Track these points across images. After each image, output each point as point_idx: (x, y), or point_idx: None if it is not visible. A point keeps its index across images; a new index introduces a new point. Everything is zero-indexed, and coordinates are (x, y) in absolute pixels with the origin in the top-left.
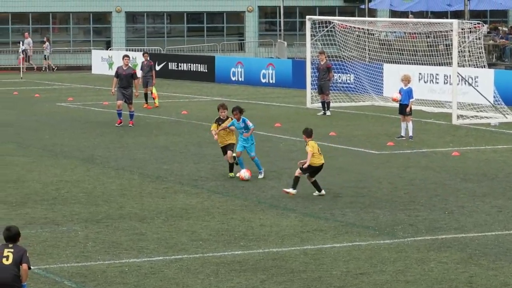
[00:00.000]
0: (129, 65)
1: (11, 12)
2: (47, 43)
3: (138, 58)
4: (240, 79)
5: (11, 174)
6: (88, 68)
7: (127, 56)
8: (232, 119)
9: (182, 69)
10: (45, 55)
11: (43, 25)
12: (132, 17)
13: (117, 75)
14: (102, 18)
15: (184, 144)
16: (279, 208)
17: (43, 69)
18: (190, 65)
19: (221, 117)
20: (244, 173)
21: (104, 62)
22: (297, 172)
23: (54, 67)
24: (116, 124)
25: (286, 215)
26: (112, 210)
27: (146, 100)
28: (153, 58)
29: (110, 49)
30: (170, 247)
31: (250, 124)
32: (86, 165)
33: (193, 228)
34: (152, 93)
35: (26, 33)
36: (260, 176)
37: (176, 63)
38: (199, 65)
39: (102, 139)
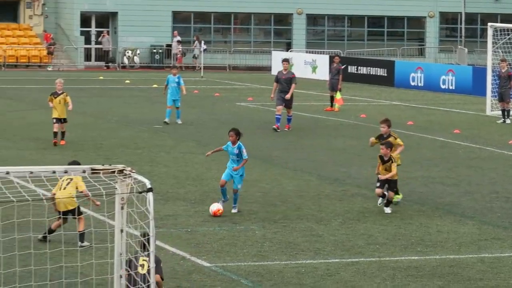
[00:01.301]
0: (289, 69)
1: (193, 12)
2: (196, 41)
3: (317, 60)
4: (419, 84)
5: (190, 172)
6: (268, 69)
7: (286, 60)
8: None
9: (361, 72)
10: (194, 54)
11: (225, 25)
12: (313, 19)
13: (277, 79)
14: (283, 19)
15: (362, 147)
16: (457, 214)
17: (197, 68)
18: (370, 69)
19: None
20: (215, 207)
21: (306, 65)
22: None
23: (198, 67)
24: (274, 127)
25: (463, 222)
26: (289, 211)
27: (332, 103)
28: (332, 61)
29: (290, 51)
30: (347, 250)
31: (245, 154)
32: (264, 165)
33: (370, 232)
34: (335, 98)
35: (175, 31)
36: (234, 211)
37: (355, 66)
38: (378, 69)
39: (281, 140)
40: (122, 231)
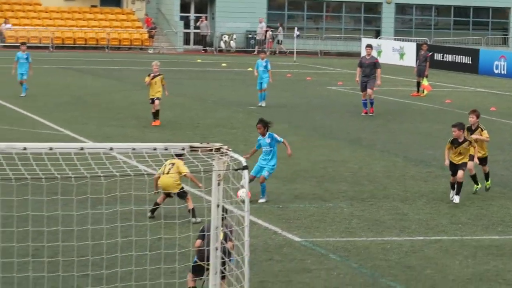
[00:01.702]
0: (372, 54)
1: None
2: (280, 28)
3: (405, 47)
4: (502, 72)
5: (282, 152)
6: (357, 55)
7: (369, 46)
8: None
9: (447, 60)
10: (278, 40)
11: (317, 13)
12: (401, 9)
13: (360, 64)
14: (373, 8)
15: (446, 132)
16: None
17: (278, 53)
18: (455, 57)
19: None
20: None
21: (394, 52)
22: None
23: (286, 50)
24: (363, 114)
25: None
26: (376, 190)
27: (418, 88)
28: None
29: (379, 38)
30: (431, 228)
31: (279, 138)
32: (353, 146)
33: (453, 212)
34: (421, 84)
35: (261, 18)
36: (261, 201)
37: (441, 54)
38: (463, 57)
39: (369, 123)
40: (218, 206)
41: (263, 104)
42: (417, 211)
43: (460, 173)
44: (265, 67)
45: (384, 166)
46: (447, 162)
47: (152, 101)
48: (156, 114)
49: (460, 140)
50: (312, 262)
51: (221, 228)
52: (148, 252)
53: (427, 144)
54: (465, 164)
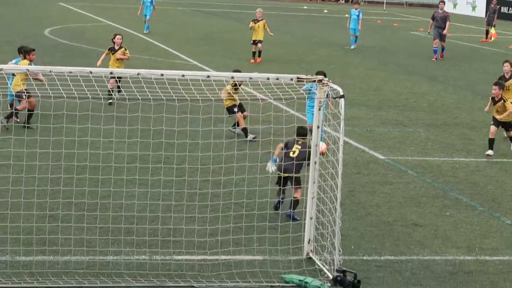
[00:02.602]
0: (444, 9)
1: None
2: None
3: (477, 1)
4: None
5: (372, 84)
6: (436, 6)
7: (442, 1)
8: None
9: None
10: None
11: None
12: None
13: (433, 17)
14: None
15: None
16: None
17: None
18: None
19: None
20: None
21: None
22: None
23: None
24: (433, 59)
25: None
26: (448, 119)
27: (486, 35)
28: (489, 2)
29: None
30: (494, 151)
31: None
32: (431, 82)
33: None
34: (489, 32)
35: None
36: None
37: (507, 8)
38: None
39: (444, 63)
40: (318, 127)
41: (354, 47)
42: (482, 137)
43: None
44: (358, 16)
45: (455, 98)
46: (487, 109)
47: (254, 42)
48: (258, 54)
49: (497, 99)
50: (393, 176)
51: (296, 145)
52: (258, 163)
53: (492, 82)
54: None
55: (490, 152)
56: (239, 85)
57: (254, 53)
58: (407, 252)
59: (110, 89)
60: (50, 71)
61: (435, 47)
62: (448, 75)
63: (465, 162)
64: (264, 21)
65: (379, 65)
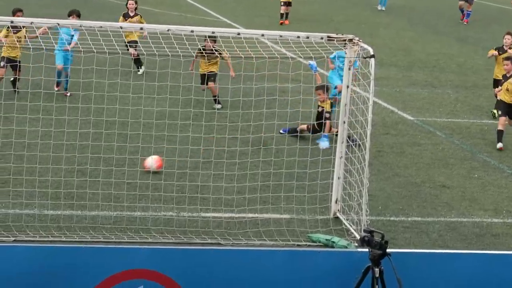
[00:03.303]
0: None
1: None
2: None
3: None
4: None
5: (401, 44)
6: None
7: None
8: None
9: None
10: None
11: None
12: None
13: None
14: None
15: None
16: None
17: None
18: None
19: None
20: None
21: None
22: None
23: None
24: (460, 20)
25: None
26: (478, 81)
27: None
28: None
29: None
30: None
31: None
32: (460, 43)
33: None
34: None
35: None
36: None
37: None
38: None
39: (474, 25)
40: (347, 86)
41: (382, 8)
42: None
43: None
44: None
45: (485, 60)
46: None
47: (284, 3)
48: (286, 16)
49: (508, 75)
50: (421, 137)
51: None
52: (287, 122)
53: None
54: None
55: (500, 145)
56: (218, 54)
57: (282, 14)
58: (434, 213)
59: (133, 59)
60: (81, 25)
61: (468, 10)
62: (478, 36)
63: (494, 125)
64: None
65: (409, 25)
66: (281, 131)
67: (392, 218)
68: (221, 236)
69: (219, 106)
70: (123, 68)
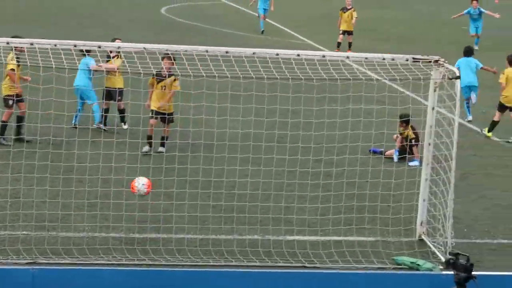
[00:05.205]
0: None
1: None
2: None
3: None
4: None
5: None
6: None
7: None
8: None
9: None
10: None
11: None
12: None
13: None
14: None
15: None
16: None
17: None
18: None
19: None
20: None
21: None
22: None
23: None
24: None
25: None
26: None
27: None
28: None
29: None
30: None
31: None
32: None
33: None
34: None
35: None
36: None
37: None
38: None
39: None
40: (433, 108)
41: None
42: None
43: None
44: (479, 14)
45: None
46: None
47: (342, 32)
48: (349, 46)
49: None
50: (508, 159)
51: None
52: (372, 143)
53: None
54: None
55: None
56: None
57: (339, 43)
58: None
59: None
60: (166, 50)
61: None
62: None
63: None
64: (352, 9)
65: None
66: (370, 150)
67: (477, 241)
68: (306, 258)
69: None
70: (208, 91)
